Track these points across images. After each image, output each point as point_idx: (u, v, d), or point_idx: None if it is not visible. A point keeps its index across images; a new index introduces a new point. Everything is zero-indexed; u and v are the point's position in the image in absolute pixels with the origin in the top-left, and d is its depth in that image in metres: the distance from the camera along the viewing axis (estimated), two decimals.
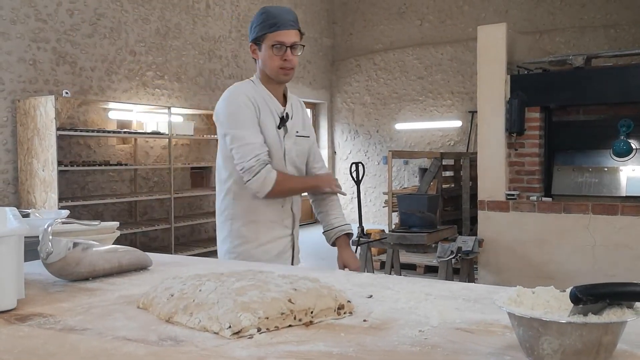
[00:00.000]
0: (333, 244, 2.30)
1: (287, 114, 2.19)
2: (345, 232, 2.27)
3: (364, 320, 1.10)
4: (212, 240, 8.21)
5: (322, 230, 2.31)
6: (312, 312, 1.11)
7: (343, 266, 2.25)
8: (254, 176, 2.04)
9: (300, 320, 1.09)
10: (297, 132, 2.23)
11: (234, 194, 2.16)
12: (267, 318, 1.04)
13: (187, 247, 7.33)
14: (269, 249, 2.18)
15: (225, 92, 2.22)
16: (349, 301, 1.17)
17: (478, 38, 5.92)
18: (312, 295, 1.13)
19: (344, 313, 1.14)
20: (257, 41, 2.15)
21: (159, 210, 7.63)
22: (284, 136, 2.17)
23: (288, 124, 2.19)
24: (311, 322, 1.10)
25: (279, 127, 2.16)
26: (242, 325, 1.01)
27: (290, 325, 1.07)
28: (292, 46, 2.13)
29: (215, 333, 1.02)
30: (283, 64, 2.13)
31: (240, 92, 2.15)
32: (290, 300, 1.09)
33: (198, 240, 8.16)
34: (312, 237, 9.47)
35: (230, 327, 1.00)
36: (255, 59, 2.22)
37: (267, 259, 2.13)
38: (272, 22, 2.11)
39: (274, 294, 1.10)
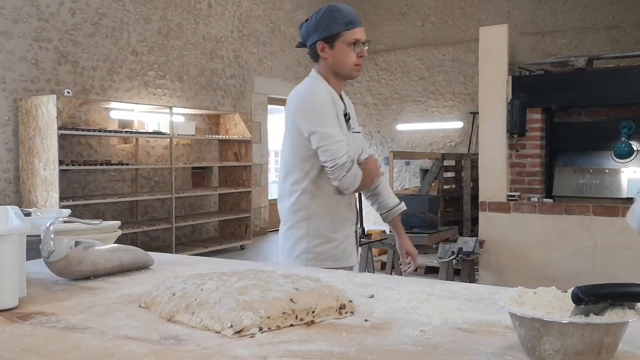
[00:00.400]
0: (389, 224, 2.42)
1: (348, 112, 2.24)
2: (401, 210, 2.38)
3: (366, 320, 1.10)
4: (213, 240, 8.23)
5: (379, 212, 2.39)
6: (313, 312, 1.11)
7: (406, 254, 2.36)
8: (347, 172, 2.06)
9: (302, 319, 1.09)
10: (354, 128, 2.28)
11: (311, 194, 2.15)
12: (269, 317, 1.04)
13: (188, 247, 7.34)
14: (346, 247, 2.22)
15: (300, 90, 2.20)
16: (350, 301, 1.17)
17: (480, 39, 5.92)
18: (313, 294, 1.13)
19: (346, 313, 1.14)
20: (329, 39, 2.16)
21: (160, 210, 7.64)
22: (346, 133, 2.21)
23: (350, 121, 2.24)
24: (312, 322, 1.10)
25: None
26: (243, 325, 1.01)
27: (292, 325, 1.07)
28: (364, 43, 2.22)
29: (216, 332, 1.02)
30: (358, 61, 2.19)
31: (319, 89, 2.15)
32: (292, 300, 1.09)
33: (199, 240, 8.17)
34: None
35: (232, 326, 1.00)
36: (318, 57, 2.21)
37: (345, 257, 2.19)
38: (347, 19, 2.16)
39: (276, 293, 1.10)
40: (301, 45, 2.30)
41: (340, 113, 2.16)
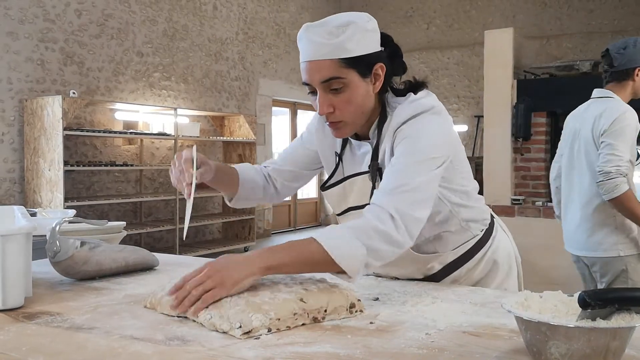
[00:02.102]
0: None
1: None
2: None
3: (371, 323, 1.10)
4: (217, 241, 8.23)
5: None
6: (325, 311, 1.11)
7: None
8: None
9: (314, 318, 1.09)
10: None
11: None
12: (279, 319, 1.05)
13: (192, 248, 7.34)
14: None
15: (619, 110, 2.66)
16: (359, 300, 1.17)
17: (485, 43, 5.92)
18: (323, 293, 1.14)
19: (356, 311, 1.15)
20: None
21: (164, 211, 7.65)
22: None
23: None
24: (323, 319, 1.11)
25: None
26: (252, 326, 1.01)
27: (303, 324, 1.08)
28: None
29: (223, 332, 1.03)
30: None
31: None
32: (302, 300, 1.10)
33: (203, 241, 8.17)
34: None
35: (240, 326, 1.01)
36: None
37: None
38: None
39: (285, 294, 1.11)
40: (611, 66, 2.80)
41: None
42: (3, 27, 5.84)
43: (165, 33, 7.60)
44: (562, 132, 3.05)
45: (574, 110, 3.01)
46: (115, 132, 6.52)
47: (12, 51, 5.91)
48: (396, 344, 0.98)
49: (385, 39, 1.38)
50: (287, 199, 10.52)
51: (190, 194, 1.31)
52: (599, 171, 2.59)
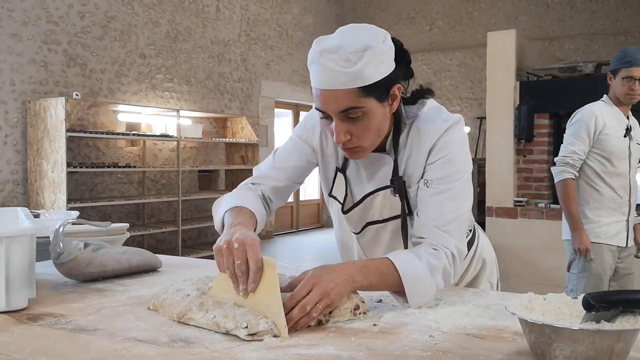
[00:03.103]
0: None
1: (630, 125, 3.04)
2: None
3: (374, 325, 1.10)
4: None
5: None
6: (330, 313, 1.11)
7: None
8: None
9: (318, 321, 1.10)
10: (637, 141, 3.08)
11: None
12: (285, 326, 1.05)
13: (194, 250, 7.34)
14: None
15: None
16: (363, 301, 1.17)
17: (488, 44, 5.91)
18: None
19: (360, 313, 1.15)
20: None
21: (166, 212, 7.65)
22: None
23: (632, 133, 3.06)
24: (327, 321, 1.11)
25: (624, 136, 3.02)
26: (258, 329, 1.00)
27: (308, 325, 1.08)
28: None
29: (226, 333, 1.02)
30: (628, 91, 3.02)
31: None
32: None
33: (205, 242, 8.18)
34: (316, 240, 9.48)
35: (247, 326, 1.00)
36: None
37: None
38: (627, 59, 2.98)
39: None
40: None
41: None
42: (6, 29, 5.85)
43: (168, 35, 7.62)
44: None
45: None
46: (118, 134, 6.53)
47: (16, 53, 5.93)
48: (399, 346, 0.97)
49: (395, 45, 1.29)
50: (290, 200, 10.52)
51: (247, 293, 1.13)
52: (555, 159, 3.12)
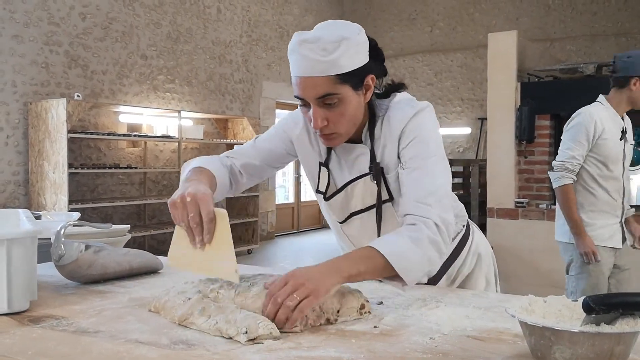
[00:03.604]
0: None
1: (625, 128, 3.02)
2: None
3: (375, 327, 1.10)
4: None
5: None
6: (337, 312, 1.13)
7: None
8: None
9: (328, 320, 1.11)
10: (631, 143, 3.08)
11: None
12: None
13: None
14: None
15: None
16: (367, 301, 1.19)
17: (489, 45, 5.91)
18: (336, 295, 1.16)
19: (365, 312, 1.17)
20: None
21: (167, 213, 7.59)
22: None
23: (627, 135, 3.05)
24: (335, 320, 1.12)
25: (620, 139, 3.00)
26: (258, 333, 1.00)
27: (320, 324, 1.10)
28: None
29: (229, 338, 1.02)
30: None
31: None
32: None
33: None
34: (318, 241, 9.47)
35: (246, 332, 1.00)
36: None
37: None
38: None
39: None
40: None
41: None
42: (8, 30, 5.86)
43: (169, 36, 7.62)
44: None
45: None
46: (119, 135, 6.54)
47: (17, 54, 5.94)
48: (400, 348, 0.98)
49: (370, 44, 1.38)
50: (291, 201, 10.53)
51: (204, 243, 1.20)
52: (553, 163, 3.09)
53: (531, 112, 5.60)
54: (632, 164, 5.41)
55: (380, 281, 1.52)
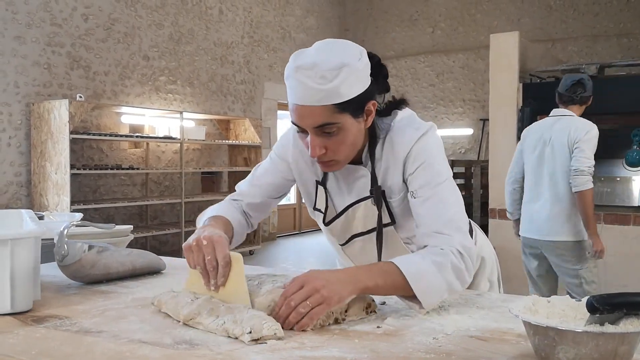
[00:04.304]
0: None
1: None
2: None
3: (378, 327, 1.10)
4: None
5: None
6: (346, 311, 1.14)
7: None
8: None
9: (336, 320, 1.12)
10: None
11: None
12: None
13: None
14: None
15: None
16: (373, 300, 1.19)
17: (490, 46, 5.91)
18: None
19: (370, 312, 1.18)
20: None
21: (169, 214, 7.66)
22: None
23: None
24: (343, 320, 1.13)
25: None
26: (262, 333, 1.00)
27: (329, 324, 1.11)
28: None
29: (235, 338, 1.02)
30: None
31: None
32: None
33: None
34: (319, 242, 9.47)
35: (250, 332, 1.00)
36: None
37: None
38: None
39: None
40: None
41: None
42: (10, 31, 5.87)
43: (171, 37, 7.63)
44: (524, 143, 3.69)
45: (535, 126, 3.72)
46: (121, 136, 6.55)
47: (20, 55, 5.95)
48: (403, 348, 0.98)
49: (373, 60, 1.32)
50: (292, 202, 10.53)
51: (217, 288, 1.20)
52: (574, 169, 3.26)
53: (533, 113, 5.59)
54: (633, 165, 5.43)
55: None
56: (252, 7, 9.05)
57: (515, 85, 5.70)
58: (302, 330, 1.07)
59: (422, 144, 1.32)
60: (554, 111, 3.61)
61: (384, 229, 1.40)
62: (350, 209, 1.42)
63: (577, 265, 3.40)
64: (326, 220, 1.47)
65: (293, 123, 1.28)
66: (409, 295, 1.17)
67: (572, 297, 0.95)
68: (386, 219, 1.39)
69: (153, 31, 7.38)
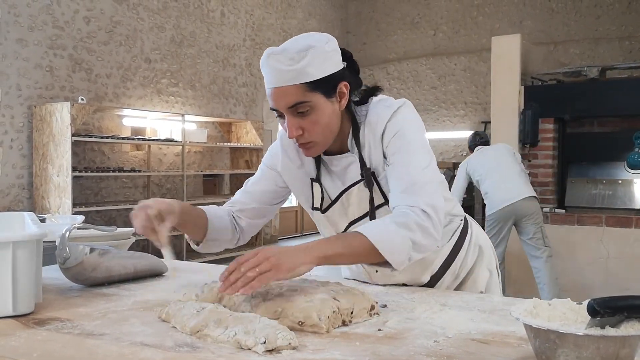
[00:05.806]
0: None
1: None
2: None
3: (379, 330, 1.10)
4: None
5: None
6: (352, 313, 1.14)
7: None
8: None
9: (343, 321, 1.12)
10: None
11: None
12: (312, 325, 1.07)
13: (199, 254, 7.34)
14: None
15: None
16: (376, 302, 1.20)
17: (492, 49, 5.92)
18: (349, 295, 1.17)
19: (374, 314, 1.18)
20: None
21: None
22: None
23: None
24: (350, 321, 1.14)
25: None
26: (277, 344, 0.96)
27: (339, 325, 1.11)
28: None
29: (248, 349, 0.98)
30: None
31: None
32: (335, 298, 1.13)
33: None
34: None
35: (265, 342, 0.96)
36: None
37: None
38: None
39: (322, 294, 1.13)
40: None
41: None
42: (13, 34, 5.88)
43: (173, 40, 7.64)
44: (479, 163, 4.97)
45: (476, 158, 5.09)
46: (123, 138, 6.55)
47: (22, 58, 5.96)
48: (405, 351, 0.98)
49: (345, 56, 1.39)
50: (294, 204, 10.53)
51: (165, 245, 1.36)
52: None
53: (535, 116, 5.60)
54: (635, 167, 5.43)
55: (385, 285, 1.52)
56: (254, 9, 9.07)
57: (517, 88, 5.71)
58: (319, 332, 1.07)
59: (396, 118, 1.38)
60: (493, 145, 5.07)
61: (380, 210, 1.43)
62: (344, 195, 1.46)
63: None
64: (323, 207, 1.51)
65: (271, 109, 1.36)
66: (379, 262, 1.23)
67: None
68: (379, 199, 1.43)
69: (155, 34, 7.39)
